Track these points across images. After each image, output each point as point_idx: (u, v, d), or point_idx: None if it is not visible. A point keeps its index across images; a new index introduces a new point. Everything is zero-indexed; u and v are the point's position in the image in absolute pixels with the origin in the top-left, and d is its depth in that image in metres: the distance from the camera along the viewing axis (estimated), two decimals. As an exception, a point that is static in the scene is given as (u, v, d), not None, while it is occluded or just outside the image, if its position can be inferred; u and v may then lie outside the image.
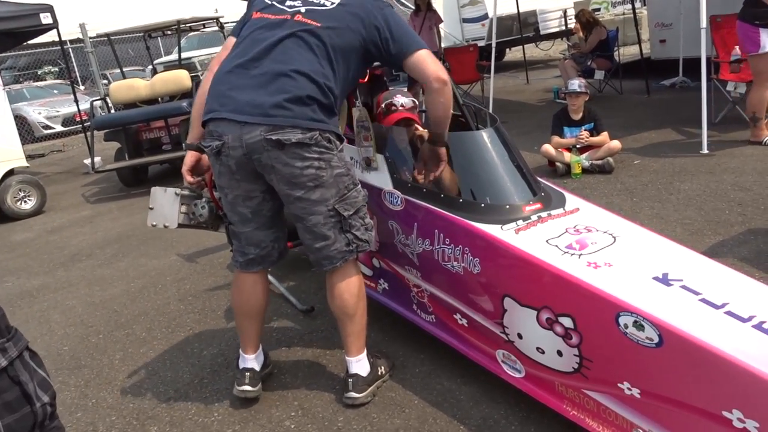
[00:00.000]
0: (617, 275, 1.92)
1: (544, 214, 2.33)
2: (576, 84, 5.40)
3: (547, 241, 2.16)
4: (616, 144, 5.28)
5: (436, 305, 2.60)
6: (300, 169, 2.27)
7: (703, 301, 1.75)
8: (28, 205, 7.50)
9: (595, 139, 5.33)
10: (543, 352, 2.08)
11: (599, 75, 9.31)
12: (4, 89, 9.58)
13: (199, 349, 3.27)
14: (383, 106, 2.96)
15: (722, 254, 3.39)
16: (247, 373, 2.62)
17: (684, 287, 1.82)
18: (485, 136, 2.53)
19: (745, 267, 3.18)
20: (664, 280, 1.86)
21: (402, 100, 2.93)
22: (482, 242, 2.24)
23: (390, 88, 3.18)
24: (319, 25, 2.31)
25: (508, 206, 2.36)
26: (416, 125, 2.89)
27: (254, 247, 2.54)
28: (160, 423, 2.66)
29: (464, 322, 2.43)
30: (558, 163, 5.38)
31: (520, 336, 2.16)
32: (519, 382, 2.24)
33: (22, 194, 7.47)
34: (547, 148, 5.45)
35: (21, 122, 14.41)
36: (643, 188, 4.71)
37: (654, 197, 4.47)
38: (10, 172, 7.54)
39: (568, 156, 5.34)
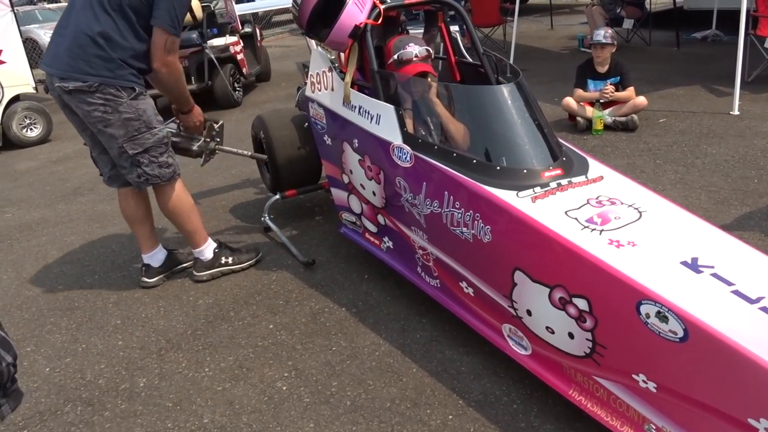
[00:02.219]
0: (641, 257, 1.75)
1: (564, 182, 2.14)
2: (602, 34, 5.07)
3: (566, 212, 1.98)
4: (641, 100, 5.00)
5: (441, 270, 2.45)
6: (88, 112, 2.81)
7: (736, 293, 1.59)
8: (34, 132, 7.34)
9: (621, 95, 5.05)
10: (553, 333, 1.94)
11: (628, 24, 8.86)
12: (13, 10, 9.30)
13: (194, 298, 3.16)
14: (396, 57, 2.73)
15: (748, 227, 3.20)
16: (144, 268, 3.34)
17: (715, 276, 1.65)
18: (505, 91, 2.31)
19: (773, 243, 3.00)
20: (694, 266, 1.69)
21: (416, 49, 2.71)
22: (495, 209, 2.07)
23: (405, 32, 2.95)
24: None
25: (525, 171, 2.17)
26: (431, 77, 2.67)
27: (105, 167, 3.16)
28: (149, 375, 2.57)
29: (470, 291, 2.29)
30: (579, 118, 5.13)
31: (529, 312, 2.01)
32: (524, 359, 2.11)
33: (27, 121, 7.31)
34: (569, 101, 5.18)
35: (31, 45, 14.06)
36: (667, 149, 4.47)
37: (678, 160, 4.24)
38: (16, 98, 7.35)
39: (590, 110, 5.08)
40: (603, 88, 5.05)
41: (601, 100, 5.08)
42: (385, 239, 2.86)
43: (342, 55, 2.96)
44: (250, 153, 3.81)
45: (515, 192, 2.09)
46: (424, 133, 2.48)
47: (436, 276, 2.51)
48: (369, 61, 2.68)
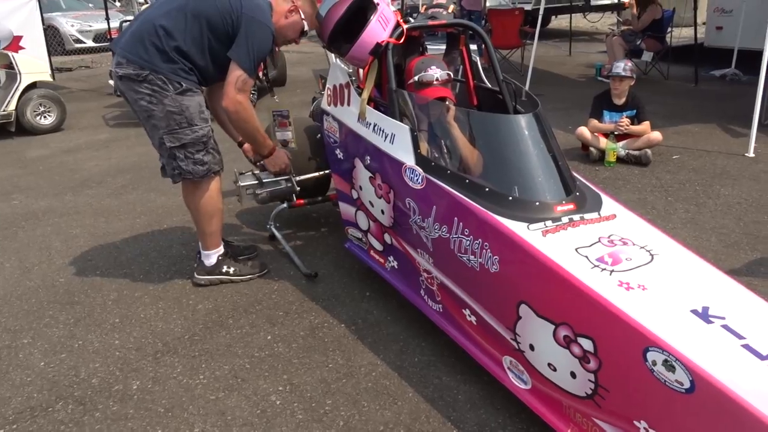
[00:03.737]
0: (651, 302, 1.72)
1: (576, 217, 2.12)
2: (622, 66, 5.07)
3: (576, 249, 1.95)
4: (656, 136, 4.99)
5: (445, 295, 2.43)
6: (135, 100, 2.93)
7: (747, 347, 1.56)
8: (48, 120, 7.36)
9: (636, 128, 5.03)
10: (555, 370, 1.91)
11: (647, 56, 8.87)
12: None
13: (194, 302, 3.14)
14: (416, 78, 2.73)
15: (758, 274, 3.16)
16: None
17: (726, 327, 1.62)
18: (523, 121, 2.30)
19: (781, 292, 2.96)
20: (704, 315, 1.67)
21: (438, 73, 2.70)
22: (504, 240, 2.05)
23: (426, 54, 2.94)
24: None
25: (538, 203, 2.15)
26: (449, 101, 2.66)
27: (159, 157, 3.18)
28: (143, 378, 2.55)
29: (473, 319, 2.26)
30: (592, 148, 5.11)
31: (531, 347, 1.98)
32: (523, 393, 2.07)
33: (42, 109, 7.33)
34: (583, 130, 5.17)
35: (53, 33, 14.15)
36: (679, 187, 4.44)
37: (690, 199, 4.21)
38: (33, 85, 7.38)
39: (603, 142, 5.06)
40: (618, 121, 5.04)
41: (616, 132, 5.07)
42: (390, 258, 2.84)
43: (361, 70, 2.95)
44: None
45: (526, 224, 2.07)
46: (437, 157, 2.47)
47: (439, 300, 2.49)
48: (388, 80, 2.67)
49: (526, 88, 7.89)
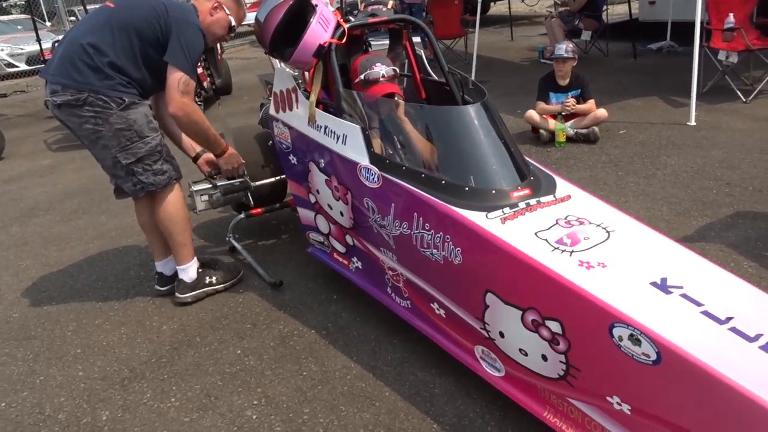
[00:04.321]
0: (612, 278, 1.76)
1: (533, 202, 2.15)
2: (564, 48, 5.16)
3: (535, 233, 1.98)
4: (602, 113, 5.09)
5: (412, 291, 2.43)
6: (79, 125, 2.84)
7: (706, 314, 1.60)
8: (-15, 151, 7.10)
9: (582, 107, 5.13)
10: (526, 355, 1.93)
11: (586, 36, 9.04)
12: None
13: (158, 323, 3.07)
14: (362, 77, 2.72)
15: (709, 238, 3.26)
16: (156, 276, 3.34)
17: (684, 296, 1.66)
18: (472, 111, 2.31)
19: (733, 255, 3.06)
20: (663, 286, 1.70)
21: (383, 69, 2.69)
22: (465, 231, 2.06)
23: (370, 52, 2.93)
24: (112, 6, 2.89)
25: (494, 191, 2.17)
26: (397, 97, 2.66)
27: (111, 180, 3.17)
28: (113, 407, 2.48)
29: (442, 312, 2.27)
30: (542, 130, 5.19)
31: (501, 335, 2.00)
32: (498, 381, 2.09)
33: (-22, 139, 7.07)
34: (532, 114, 5.24)
35: (-17, 59, 13.69)
36: (629, 161, 4.55)
37: (640, 171, 4.32)
38: (-35, 116, 7.10)
39: (552, 123, 5.15)
40: (564, 101, 5.13)
41: (563, 113, 5.15)
42: (354, 259, 2.83)
43: (307, 73, 2.92)
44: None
45: (485, 213, 2.08)
46: (392, 154, 2.47)
47: (407, 297, 2.49)
48: (334, 80, 2.65)
49: (472, 76, 8.03)
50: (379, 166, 2.41)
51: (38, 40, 9.88)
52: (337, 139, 2.62)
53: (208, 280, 3.23)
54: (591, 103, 5.16)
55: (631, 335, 1.58)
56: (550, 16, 9.63)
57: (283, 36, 2.75)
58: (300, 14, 2.72)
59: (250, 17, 3.26)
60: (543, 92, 5.30)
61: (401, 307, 2.56)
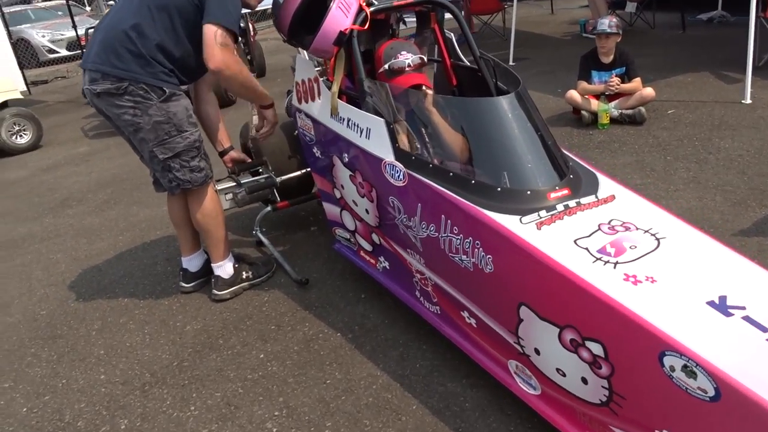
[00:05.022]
0: (662, 296, 1.56)
1: (572, 203, 1.95)
2: (606, 23, 4.83)
3: (575, 241, 1.78)
4: (649, 92, 4.78)
5: (441, 297, 2.27)
6: (117, 115, 2.75)
7: (774, 341, 1.40)
8: (24, 139, 7.18)
9: (627, 86, 4.82)
10: (564, 375, 1.75)
11: (630, 7, 8.64)
12: (1, 11, 9.09)
13: (182, 323, 2.99)
14: (387, 67, 2.53)
15: (769, 232, 3.00)
16: (181, 272, 3.26)
17: (747, 319, 1.46)
18: (504, 103, 2.11)
19: (796, 250, 2.80)
20: (722, 306, 1.50)
21: (409, 58, 2.50)
22: (497, 237, 1.88)
23: (395, 39, 2.73)
24: None
25: (529, 192, 1.97)
26: (424, 88, 2.47)
27: (151, 172, 3.06)
28: (132, 415, 2.40)
29: (473, 321, 2.10)
30: (584, 112, 4.91)
31: (537, 351, 1.83)
32: (533, 400, 1.92)
33: (16, 128, 7.14)
34: (573, 94, 4.97)
35: (25, 46, 13.89)
36: (678, 144, 4.26)
37: (690, 156, 4.03)
38: (4, 104, 7.18)
39: (595, 104, 4.86)
40: (608, 80, 4.83)
41: (607, 93, 4.86)
42: (381, 259, 2.68)
43: (329, 61, 2.75)
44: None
45: (519, 217, 1.90)
46: (418, 150, 2.29)
47: (436, 302, 2.33)
48: (357, 70, 2.48)
49: (510, 52, 7.71)
50: (404, 163, 2.24)
51: (74, 26, 9.92)
52: (361, 132, 2.45)
53: (245, 275, 3.16)
54: (637, 82, 4.85)
55: (685, 366, 1.39)
56: (593, -13, 9.20)
57: (303, 22, 2.59)
58: (319, -1, 2.55)
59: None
60: (585, 71, 5.01)
61: (430, 312, 2.40)
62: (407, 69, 2.50)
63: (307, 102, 2.88)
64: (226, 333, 2.85)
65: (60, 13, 16.15)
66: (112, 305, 3.27)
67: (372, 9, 2.52)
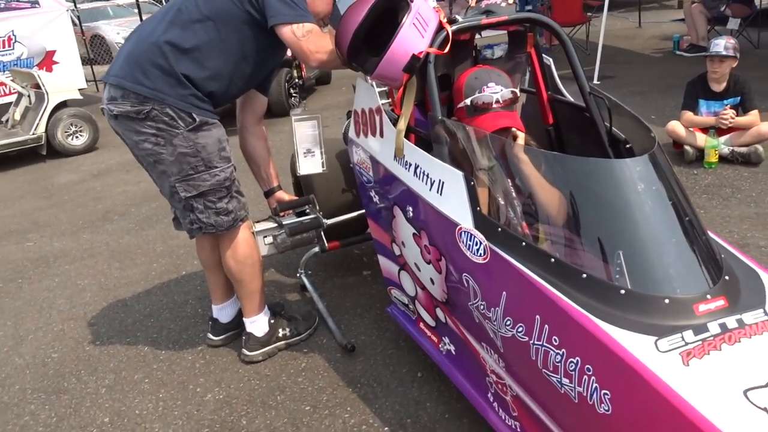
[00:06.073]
0: None
1: (732, 322, 1.35)
2: (722, 45, 4.11)
3: (745, 393, 1.19)
4: (768, 128, 4.05)
5: (525, 414, 1.70)
6: (136, 143, 2.36)
7: None
8: (80, 141, 6.98)
9: (743, 120, 4.11)
10: None
11: (733, 24, 7.79)
12: (70, 10, 8.99)
13: (203, 389, 2.53)
14: (469, 102, 1.99)
15: None
16: (211, 322, 2.83)
17: None
18: (637, 169, 1.52)
19: None
20: None
21: (498, 92, 1.95)
22: (619, 366, 1.31)
23: (480, 65, 2.17)
24: None
25: (668, 301, 1.39)
26: (517, 133, 1.91)
27: (172, 208, 2.64)
28: None
29: (570, 463, 1.53)
30: (687, 147, 4.21)
31: None
32: None
33: (73, 129, 6.95)
34: (675, 126, 4.27)
35: (99, 42, 14.02)
36: (808, 195, 3.53)
37: (827, 212, 3.31)
38: (63, 105, 7.00)
39: (702, 138, 4.16)
40: (721, 112, 4.12)
41: (717, 126, 4.15)
42: (446, 341, 2.13)
43: (395, 90, 2.22)
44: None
45: (653, 339, 1.32)
46: (506, 219, 1.73)
47: (516, 417, 1.76)
48: (431, 105, 1.94)
49: (596, 69, 6.99)
50: (486, 234, 1.69)
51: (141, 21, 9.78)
52: (431, 185, 1.91)
53: (282, 332, 2.69)
54: (754, 115, 4.13)
55: None
56: (690, 1, 8.39)
57: (366, 40, 2.06)
58: (390, 12, 2.02)
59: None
60: (691, 99, 4.31)
61: (506, 425, 1.83)
62: (494, 105, 1.94)
63: (366, 136, 2.36)
64: (251, 410, 2.36)
65: (135, 10, 16.31)
66: (129, 354, 2.85)
67: (454, 27, 1.98)
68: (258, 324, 2.64)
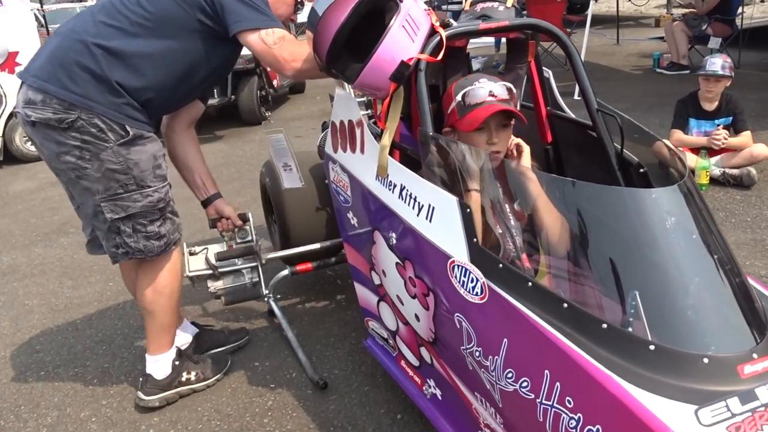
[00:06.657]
0: None
1: (782, 387, 1.13)
2: (719, 64, 3.97)
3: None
4: (762, 150, 3.92)
5: (525, 480, 1.46)
6: (56, 155, 2.05)
7: None
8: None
9: (735, 141, 3.97)
10: None
11: (714, 43, 7.72)
12: (36, 10, 8.64)
13: (157, 430, 2.24)
14: (459, 98, 1.75)
15: None
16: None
17: None
18: (667, 200, 1.30)
19: None
20: None
21: (490, 86, 1.71)
22: (652, 440, 1.07)
23: (475, 72, 1.95)
24: None
25: (707, 360, 1.17)
26: (519, 144, 1.69)
27: (85, 227, 2.36)
28: None
29: None
30: (677, 167, 4.05)
31: None
32: None
33: (31, 134, 6.58)
34: (664, 146, 4.10)
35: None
36: (806, 220, 3.39)
37: (826, 239, 3.16)
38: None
39: (692, 159, 3.99)
40: (713, 132, 3.97)
41: (709, 147, 4.00)
42: (431, 383, 1.89)
43: (380, 101, 1.98)
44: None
45: (693, 408, 1.09)
46: (507, 254, 1.50)
47: (515, 480, 1.52)
48: (421, 119, 1.70)
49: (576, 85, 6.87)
50: (484, 270, 1.45)
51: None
52: (419, 210, 1.67)
53: (185, 376, 2.39)
54: (746, 136, 4.00)
55: None
56: (671, 19, 8.36)
57: (349, 44, 1.82)
58: (375, 13, 1.78)
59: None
60: (681, 118, 4.16)
61: (504, 488, 1.59)
62: (488, 98, 1.70)
63: (344, 151, 2.12)
64: (210, 458, 2.09)
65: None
66: (77, 387, 2.55)
67: (449, 32, 1.74)
68: (161, 364, 2.34)
